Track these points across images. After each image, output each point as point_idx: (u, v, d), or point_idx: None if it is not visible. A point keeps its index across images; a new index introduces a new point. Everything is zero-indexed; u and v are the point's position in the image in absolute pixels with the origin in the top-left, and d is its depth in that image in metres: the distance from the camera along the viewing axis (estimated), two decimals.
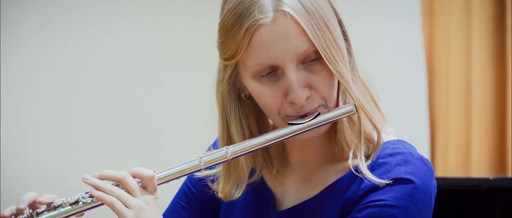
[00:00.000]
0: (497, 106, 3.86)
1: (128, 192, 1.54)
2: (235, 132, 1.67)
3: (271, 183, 1.76)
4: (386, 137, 1.68)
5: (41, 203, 1.54)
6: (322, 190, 1.67)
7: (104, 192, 1.53)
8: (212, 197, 1.77)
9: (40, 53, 3.91)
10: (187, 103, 4.32)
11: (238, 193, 1.70)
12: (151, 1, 4.20)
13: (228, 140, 1.67)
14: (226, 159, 1.61)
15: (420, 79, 4.04)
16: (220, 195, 1.72)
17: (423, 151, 3.98)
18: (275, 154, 1.75)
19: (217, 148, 1.72)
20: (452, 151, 3.89)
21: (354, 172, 1.62)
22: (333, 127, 1.67)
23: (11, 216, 1.52)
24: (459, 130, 3.89)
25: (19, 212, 1.52)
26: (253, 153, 1.70)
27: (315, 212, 1.67)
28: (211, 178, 1.77)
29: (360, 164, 1.62)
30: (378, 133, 1.64)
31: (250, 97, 1.68)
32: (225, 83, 1.66)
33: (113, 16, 4.12)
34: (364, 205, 1.59)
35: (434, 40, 4.02)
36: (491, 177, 2.83)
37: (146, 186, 1.56)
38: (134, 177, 1.56)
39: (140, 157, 4.15)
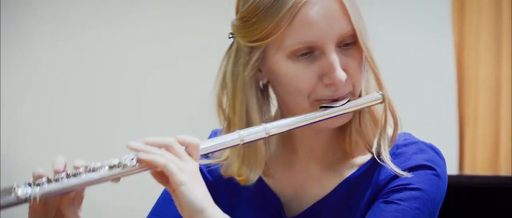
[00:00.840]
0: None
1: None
2: (256, 117, 1.63)
3: (274, 186, 1.72)
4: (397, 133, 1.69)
5: (76, 167, 1.47)
6: (337, 187, 1.66)
7: (155, 155, 1.46)
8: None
9: (40, 54, 3.94)
10: (187, 103, 4.33)
11: (254, 178, 1.64)
12: (152, 2, 4.23)
13: (248, 125, 1.62)
14: (264, 137, 1.58)
15: (450, 77, 4.04)
16: (239, 179, 1.65)
17: (452, 148, 3.98)
18: (276, 156, 1.71)
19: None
20: (481, 148, 3.88)
21: (378, 159, 1.62)
22: (339, 127, 1.66)
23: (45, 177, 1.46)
24: (488, 128, 3.88)
25: (56, 172, 1.46)
26: (263, 153, 1.65)
27: (336, 210, 1.65)
28: (216, 166, 1.71)
29: (383, 153, 1.62)
30: (396, 124, 1.64)
31: (266, 86, 1.66)
32: (251, 67, 1.62)
33: (113, 16, 4.14)
34: (390, 190, 1.60)
35: (464, 37, 4.01)
36: None
37: (191, 153, 1.49)
38: (180, 143, 1.50)
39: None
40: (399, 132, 1.66)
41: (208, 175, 1.74)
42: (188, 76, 4.33)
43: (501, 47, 3.86)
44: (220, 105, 1.67)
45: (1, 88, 3.80)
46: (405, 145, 1.64)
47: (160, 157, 1.45)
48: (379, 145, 1.63)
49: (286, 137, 1.70)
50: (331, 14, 1.56)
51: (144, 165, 1.45)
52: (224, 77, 1.65)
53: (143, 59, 4.21)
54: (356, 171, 1.66)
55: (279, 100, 1.66)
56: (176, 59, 4.30)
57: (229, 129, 1.65)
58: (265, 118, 1.66)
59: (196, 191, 1.44)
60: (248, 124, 1.62)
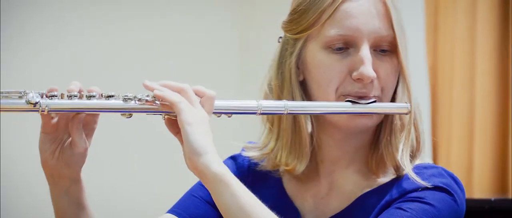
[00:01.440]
0: (500, 129, 3.85)
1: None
2: None
3: (291, 192, 1.71)
4: (421, 160, 1.68)
5: (90, 91, 1.49)
6: (356, 200, 1.65)
7: (169, 92, 1.47)
8: None
9: (40, 54, 3.87)
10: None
11: (300, 169, 1.65)
12: (151, 3, 4.18)
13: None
14: (282, 112, 1.58)
15: (423, 99, 3.98)
16: (286, 168, 1.66)
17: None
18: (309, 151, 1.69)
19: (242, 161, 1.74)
20: (454, 171, 3.88)
21: (398, 164, 1.61)
22: (372, 135, 1.66)
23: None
24: (461, 150, 3.88)
25: (69, 91, 1.47)
26: (308, 144, 1.66)
27: None
28: (254, 161, 1.73)
29: (405, 162, 1.61)
30: (418, 142, 1.64)
31: (302, 84, 1.66)
32: (294, 57, 1.64)
33: (113, 17, 4.09)
34: (403, 200, 1.59)
35: (437, 68, 3.97)
36: (492, 198, 2.84)
37: (204, 104, 1.51)
38: (195, 92, 1.51)
39: (140, 157, 4.14)
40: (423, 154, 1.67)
41: (235, 169, 1.75)
42: (188, 78, 4.29)
43: (475, 70, 3.84)
44: (266, 97, 1.68)
45: (1, 88, 3.71)
46: (425, 167, 1.64)
47: (174, 95, 1.47)
48: (402, 156, 1.62)
49: (313, 147, 1.69)
50: (372, 13, 1.60)
51: (158, 100, 1.48)
52: (272, 69, 1.69)
53: (143, 60, 4.18)
54: (378, 186, 1.65)
55: (311, 96, 1.66)
56: (177, 61, 4.28)
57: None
58: None
59: (200, 135, 1.44)
60: None
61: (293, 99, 1.64)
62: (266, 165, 1.71)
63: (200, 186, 1.73)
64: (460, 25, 3.85)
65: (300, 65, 1.66)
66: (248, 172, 1.74)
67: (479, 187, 3.80)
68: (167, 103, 1.48)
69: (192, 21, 4.29)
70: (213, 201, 1.51)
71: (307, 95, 1.66)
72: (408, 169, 1.61)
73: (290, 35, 1.65)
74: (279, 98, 1.65)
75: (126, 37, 4.10)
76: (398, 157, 1.62)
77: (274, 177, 1.70)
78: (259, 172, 1.72)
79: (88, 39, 3.99)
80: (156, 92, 1.48)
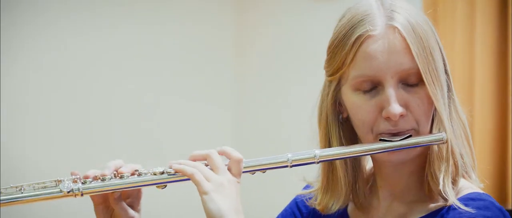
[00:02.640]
0: (498, 138, 3.72)
1: (212, 169, 1.56)
2: (336, 145, 1.69)
3: (354, 216, 1.76)
4: (471, 188, 1.67)
5: (121, 173, 1.59)
6: None
7: (186, 166, 1.56)
8: None
9: (40, 55, 3.96)
10: (185, 104, 4.33)
11: (335, 207, 1.71)
12: (152, 4, 4.24)
13: None
14: (314, 161, 1.63)
15: None
16: (318, 207, 1.73)
17: None
18: (364, 187, 1.75)
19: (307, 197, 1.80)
20: None
21: (442, 194, 1.62)
22: (423, 161, 1.67)
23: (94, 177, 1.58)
24: None
25: (103, 175, 1.58)
26: (346, 173, 1.71)
27: None
28: (310, 196, 1.79)
29: (448, 192, 1.62)
30: (456, 168, 1.65)
31: (346, 120, 1.70)
32: (330, 99, 1.69)
33: (114, 18, 4.16)
34: None
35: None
36: None
37: (231, 167, 1.58)
38: (221, 154, 1.59)
39: (140, 157, 4.14)
40: (480, 190, 1.67)
41: (302, 207, 1.82)
42: (189, 78, 4.36)
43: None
44: (314, 136, 1.74)
45: (1, 89, 3.85)
46: (472, 199, 1.64)
47: (189, 168, 1.56)
48: (443, 183, 1.63)
49: (372, 173, 1.74)
50: (392, 49, 1.60)
51: (178, 173, 1.57)
52: (316, 109, 1.74)
53: (144, 61, 4.25)
54: (430, 212, 1.66)
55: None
56: (177, 61, 4.35)
57: None
58: None
59: (218, 201, 1.52)
60: None
61: (329, 140, 1.69)
62: (309, 203, 1.78)
63: (287, 212, 1.84)
64: (460, 25, 3.76)
65: (340, 104, 1.69)
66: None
67: None
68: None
69: (187, 26, 4.34)
70: None
71: (352, 130, 1.69)
72: (451, 199, 1.61)
73: (326, 76, 1.70)
74: (323, 138, 1.70)
75: (127, 39, 4.16)
76: (440, 187, 1.63)
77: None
78: None
79: (87, 40, 4.06)
80: (175, 166, 1.58)
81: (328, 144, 1.70)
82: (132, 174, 1.59)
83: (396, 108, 1.59)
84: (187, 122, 4.35)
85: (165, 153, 4.24)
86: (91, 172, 1.58)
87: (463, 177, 1.68)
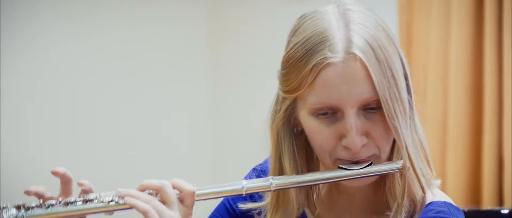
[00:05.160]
0: (472, 137, 3.72)
1: (164, 202, 1.51)
2: (287, 165, 1.63)
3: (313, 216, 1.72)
4: (433, 197, 1.64)
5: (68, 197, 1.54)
6: None
7: (138, 200, 1.51)
8: None
9: (41, 55, 3.96)
10: (186, 105, 4.34)
11: None
12: (152, 5, 4.25)
13: (280, 172, 1.64)
14: (269, 190, 1.59)
15: None
16: None
17: None
18: (323, 195, 1.71)
19: (266, 170, 1.74)
20: None
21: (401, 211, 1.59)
22: (382, 180, 1.63)
23: (39, 201, 1.52)
24: (434, 161, 3.75)
25: (47, 198, 1.53)
26: (299, 190, 1.66)
27: None
28: (258, 210, 1.73)
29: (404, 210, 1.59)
30: (424, 193, 1.62)
31: (302, 132, 1.64)
32: (281, 115, 1.62)
33: (115, 18, 4.18)
34: None
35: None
36: (465, 209, 2.73)
37: (184, 199, 1.53)
38: (173, 188, 1.53)
39: (141, 157, 4.22)
40: (443, 199, 1.64)
41: (235, 208, 1.79)
42: (187, 78, 4.36)
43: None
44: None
45: (1, 89, 3.83)
46: (430, 211, 1.61)
47: (142, 203, 1.50)
48: (396, 214, 1.60)
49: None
50: (353, 78, 1.53)
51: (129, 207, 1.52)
52: (268, 122, 1.68)
53: (144, 61, 4.27)
54: None
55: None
56: (177, 62, 4.38)
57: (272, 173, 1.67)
58: (301, 166, 1.65)
59: None
60: (281, 170, 1.64)
61: (280, 158, 1.63)
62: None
63: (222, 208, 1.80)
64: (435, 25, 3.76)
65: (294, 121, 1.63)
66: None
67: (452, 197, 3.66)
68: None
69: (160, 27, 4.35)
70: None
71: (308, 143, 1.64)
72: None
73: (279, 91, 1.63)
74: (273, 154, 1.65)
75: (128, 39, 4.21)
76: (395, 206, 1.60)
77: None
78: None
79: (88, 40, 4.09)
80: (127, 199, 1.51)
81: (278, 159, 1.64)
82: (80, 196, 1.53)
83: (357, 141, 1.54)
84: (163, 125, 4.34)
85: (171, 154, 4.29)
86: (34, 190, 1.52)
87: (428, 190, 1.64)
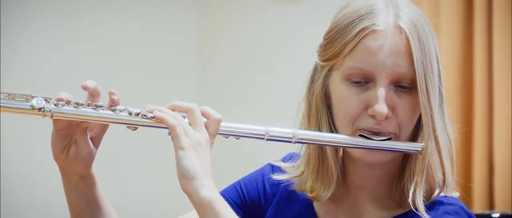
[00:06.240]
0: (463, 139, 3.66)
1: (191, 123, 1.52)
2: (325, 130, 1.66)
3: (320, 208, 1.73)
4: (448, 194, 1.66)
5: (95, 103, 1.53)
6: None
7: (168, 115, 1.51)
8: (258, 210, 1.77)
9: (41, 55, 3.96)
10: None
11: (326, 195, 1.66)
12: (116, 7, 4.24)
13: None
14: (290, 140, 1.60)
15: None
16: (311, 195, 1.68)
17: None
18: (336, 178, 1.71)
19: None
20: None
21: (413, 208, 1.59)
22: (394, 168, 1.66)
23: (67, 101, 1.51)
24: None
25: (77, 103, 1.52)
26: (335, 162, 1.67)
27: None
28: (285, 183, 1.74)
29: (417, 202, 1.59)
30: (433, 179, 1.62)
31: (328, 107, 1.67)
32: (320, 83, 1.65)
33: (115, 19, 4.18)
34: None
35: None
36: None
37: (209, 126, 1.54)
38: (202, 113, 1.55)
39: (141, 156, 4.19)
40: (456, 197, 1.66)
41: (268, 187, 1.78)
42: (187, 78, 4.37)
43: None
44: (303, 121, 1.70)
45: (1, 89, 3.82)
46: (442, 203, 1.63)
47: (172, 118, 1.51)
48: (414, 195, 1.61)
49: (344, 172, 1.71)
50: (393, 50, 1.58)
51: (157, 121, 1.52)
52: (304, 94, 1.70)
53: (145, 62, 4.26)
54: (397, 216, 1.65)
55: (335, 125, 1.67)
56: (178, 62, 4.38)
57: None
58: None
59: (193, 159, 1.48)
60: None
61: (319, 127, 1.65)
62: (295, 187, 1.72)
63: (232, 189, 1.79)
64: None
65: (327, 92, 1.66)
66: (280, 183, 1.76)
67: None
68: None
69: (150, 29, 4.33)
70: (240, 206, 1.66)
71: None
72: (421, 209, 1.59)
73: (318, 61, 1.67)
74: (307, 124, 1.67)
75: (128, 39, 4.19)
76: (410, 200, 1.60)
77: (304, 194, 1.71)
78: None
79: (88, 40, 4.06)
80: (156, 113, 1.52)
81: (318, 129, 1.66)
82: (108, 108, 1.53)
83: (383, 108, 1.57)
84: None
85: (135, 155, 4.24)
86: (64, 95, 1.51)
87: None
